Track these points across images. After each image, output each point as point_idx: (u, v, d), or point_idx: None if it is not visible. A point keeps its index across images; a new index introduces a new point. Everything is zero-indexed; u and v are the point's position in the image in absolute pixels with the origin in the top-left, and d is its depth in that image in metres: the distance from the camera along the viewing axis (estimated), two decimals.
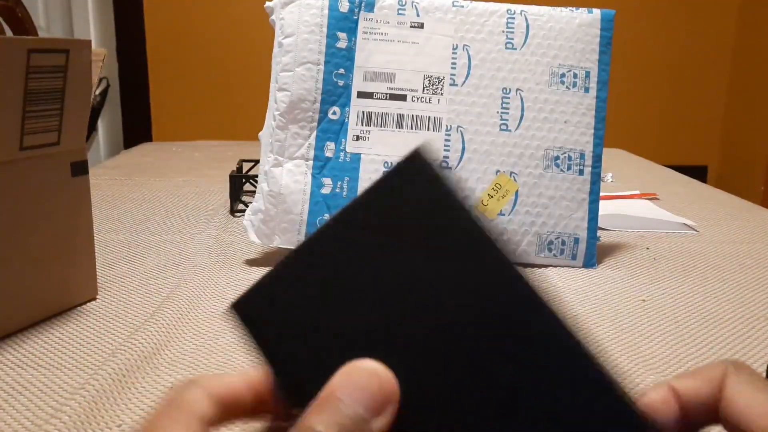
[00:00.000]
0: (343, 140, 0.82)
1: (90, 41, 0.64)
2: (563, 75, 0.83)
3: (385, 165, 0.82)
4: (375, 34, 0.83)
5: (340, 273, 0.22)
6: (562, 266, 0.83)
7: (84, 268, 0.69)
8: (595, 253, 0.84)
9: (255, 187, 1.06)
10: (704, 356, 0.60)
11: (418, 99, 0.82)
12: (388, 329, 0.21)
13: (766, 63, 2.63)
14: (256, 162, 1.18)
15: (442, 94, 0.82)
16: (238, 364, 0.57)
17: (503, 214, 0.82)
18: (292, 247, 0.83)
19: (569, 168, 0.83)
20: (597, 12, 0.85)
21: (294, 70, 0.81)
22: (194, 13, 2.67)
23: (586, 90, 0.84)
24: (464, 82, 0.82)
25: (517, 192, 0.82)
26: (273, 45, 0.83)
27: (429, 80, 0.82)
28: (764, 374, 0.56)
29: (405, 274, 0.21)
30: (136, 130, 2.70)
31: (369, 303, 0.21)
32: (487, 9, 0.84)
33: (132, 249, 0.88)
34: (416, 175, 0.23)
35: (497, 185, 0.82)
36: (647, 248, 0.91)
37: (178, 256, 0.85)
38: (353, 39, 0.83)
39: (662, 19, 2.77)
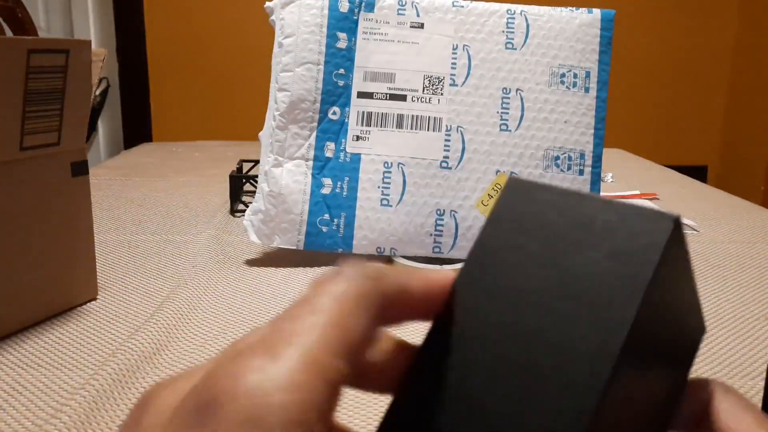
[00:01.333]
0: (343, 140, 0.82)
1: (90, 41, 0.64)
2: (563, 75, 0.83)
3: (385, 165, 0.82)
4: (375, 34, 0.83)
5: None
6: None
7: (84, 268, 0.69)
8: None
9: (255, 187, 1.06)
10: (704, 356, 0.60)
11: (418, 99, 0.82)
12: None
13: (766, 63, 2.63)
14: (256, 162, 1.18)
15: (442, 94, 0.82)
16: None
17: None
18: (293, 247, 0.83)
19: (569, 168, 0.83)
20: (597, 12, 0.85)
21: (294, 71, 0.81)
22: (194, 14, 2.67)
23: (586, 90, 0.84)
24: (464, 82, 0.82)
25: None
26: (273, 45, 0.83)
27: (429, 80, 0.82)
28: (764, 374, 0.56)
29: None
30: (136, 130, 2.70)
31: None
32: (487, 9, 0.84)
33: (132, 249, 0.88)
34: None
35: (497, 185, 0.82)
36: None
37: (178, 256, 0.85)
38: (353, 39, 0.83)
39: (662, 19, 2.77)
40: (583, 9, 0.85)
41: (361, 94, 0.82)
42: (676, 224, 0.19)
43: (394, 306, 0.20)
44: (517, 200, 0.22)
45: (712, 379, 0.24)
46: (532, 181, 0.22)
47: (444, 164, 0.82)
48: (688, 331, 0.23)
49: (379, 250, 0.82)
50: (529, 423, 0.18)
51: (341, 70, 0.82)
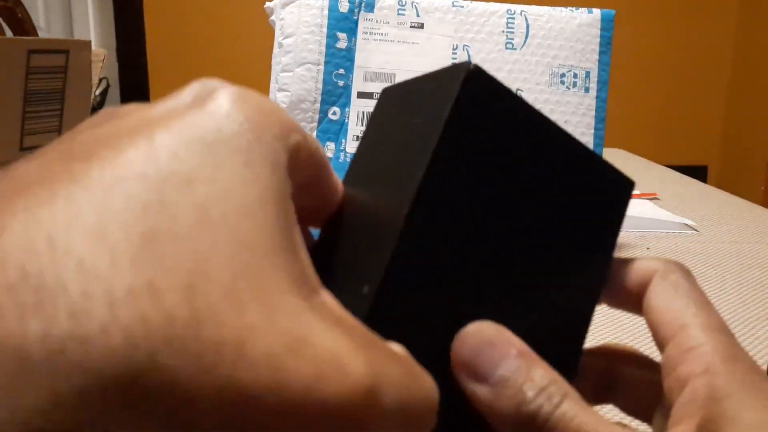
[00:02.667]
0: (343, 140, 0.82)
1: (90, 42, 0.64)
2: (563, 75, 0.83)
3: None
4: (375, 34, 0.83)
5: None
6: None
7: None
8: None
9: None
10: None
11: None
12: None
13: (766, 63, 2.63)
14: None
15: None
16: None
17: None
18: None
19: None
20: (597, 12, 0.85)
21: (294, 71, 0.81)
22: (194, 14, 2.67)
23: (586, 90, 0.84)
24: None
25: None
26: (273, 45, 0.83)
27: None
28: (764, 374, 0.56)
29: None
30: None
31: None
32: (487, 9, 0.84)
33: None
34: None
35: None
36: (647, 248, 0.91)
37: None
38: (353, 39, 0.83)
39: (662, 19, 2.77)
40: (583, 9, 0.85)
41: (361, 95, 0.83)
42: (471, 72, 0.20)
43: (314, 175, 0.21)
44: (389, 96, 0.25)
45: (660, 258, 0.24)
46: (402, 82, 0.24)
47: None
48: (587, 191, 0.25)
49: None
50: (367, 260, 0.20)
51: (341, 71, 0.82)
